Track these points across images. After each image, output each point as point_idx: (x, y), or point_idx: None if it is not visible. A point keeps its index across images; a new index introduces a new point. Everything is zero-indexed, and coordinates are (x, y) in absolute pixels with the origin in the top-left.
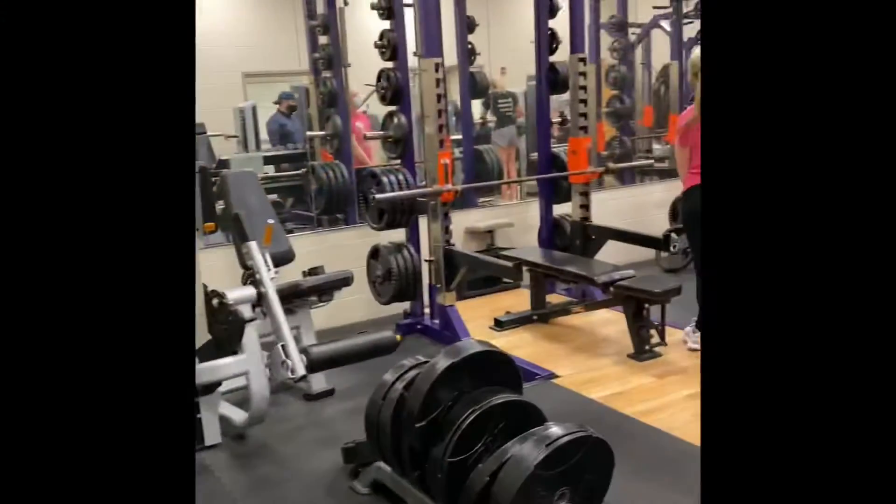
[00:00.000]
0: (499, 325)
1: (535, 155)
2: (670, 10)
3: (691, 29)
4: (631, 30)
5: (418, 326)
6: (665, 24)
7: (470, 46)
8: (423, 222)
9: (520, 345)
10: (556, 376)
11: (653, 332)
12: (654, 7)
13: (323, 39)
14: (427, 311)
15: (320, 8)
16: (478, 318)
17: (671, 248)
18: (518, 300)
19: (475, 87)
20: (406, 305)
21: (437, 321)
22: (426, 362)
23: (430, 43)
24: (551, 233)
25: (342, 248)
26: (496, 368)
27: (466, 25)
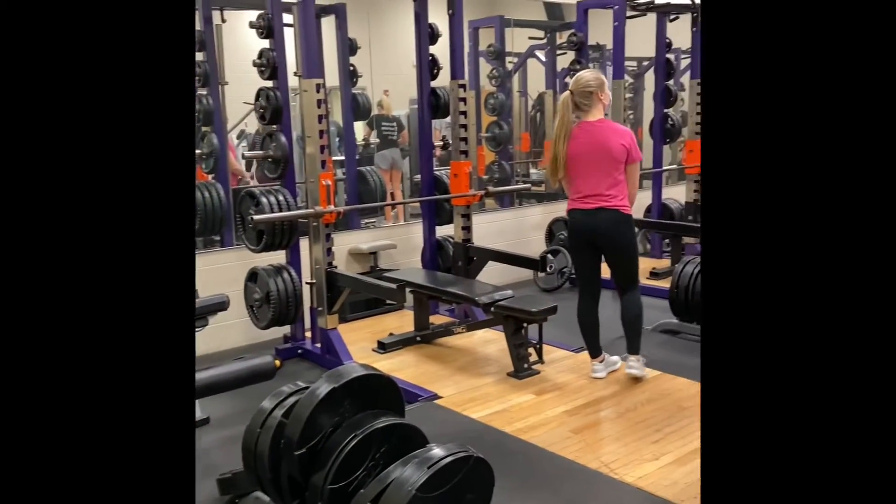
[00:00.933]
0: (382, 347)
1: (418, 177)
2: (545, 41)
3: (564, 59)
4: (508, 58)
5: (299, 351)
6: (540, 54)
7: (352, 68)
8: (304, 244)
9: (403, 367)
10: (439, 397)
11: (531, 350)
12: (530, 38)
13: (199, 56)
14: (308, 334)
15: (197, 24)
16: (361, 341)
17: (548, 269)
18: (401, 321)
19: (358, 108)
20: (286, 329)
21: (318, 345)
22: (306, 388)
23: (311, 63)
24: (434, 254)
25: (218, 271)
26: (378, 392)
27: (348, 47)
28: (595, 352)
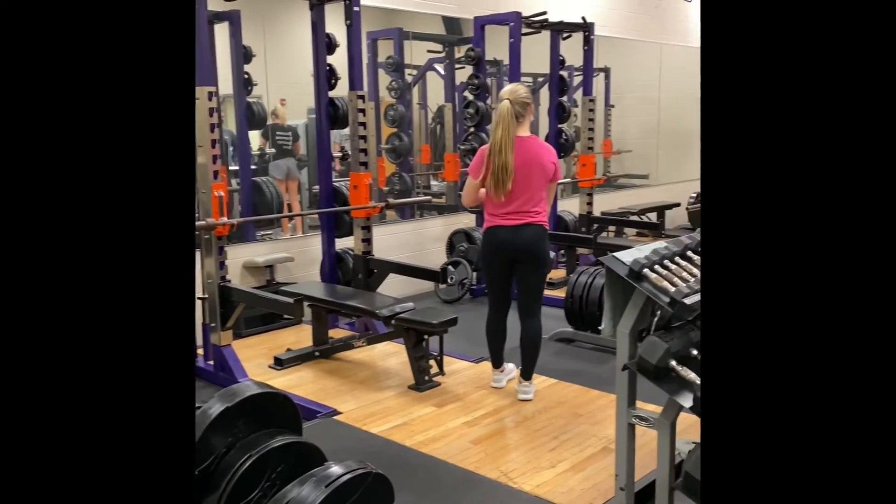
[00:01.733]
0: (279, 363)
1: (317, 188)
2: (443, 54)
3: (463, 73)
4: (407, 71)
5: None
6: (439, 67)
7: (247, 76)
8: (195, 257)
9: (301, 383)
10: (338, 413)
11: (432, 362)
12: (429, 51)
13: None
14: (200, 352)
15: None
16: (256, 358)
17: (448, 280)
18: (299, 336)
19: (253, 117)
20: None
21: (211, 362)
22: (198, 408)
23: (202, 70)
24: (334, 267)
25: None
26: (274, 410)
27: (243, 55)
28: (498, 363)
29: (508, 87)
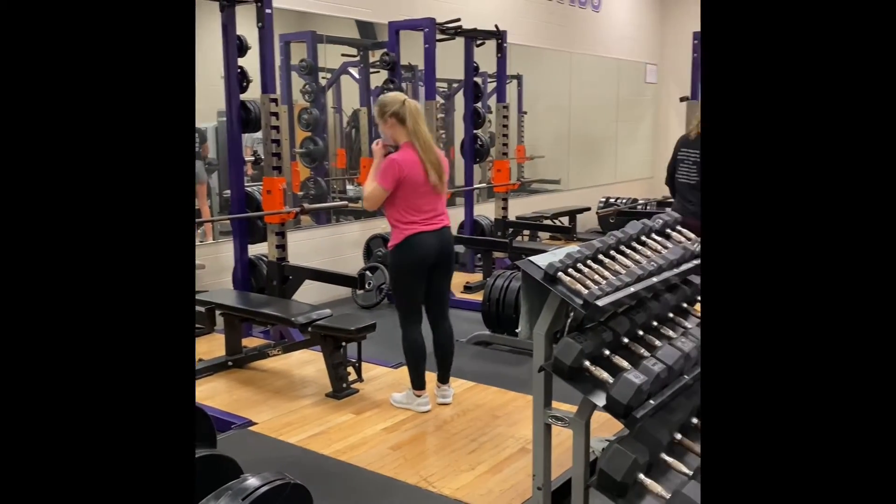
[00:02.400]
0: None
1: (228, 193)
2: (358, 58)
3: (378, 78)
4: (321, 74)
5: None
6: (354, 71)
7: None
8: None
9: (214, 394)
10: (254, 423)
11: (350, 369)
12: (343, 55)
13: None
14: None
15: None
16: None
17: (366, 286)
18: (211, 346)
19: None
20: None
21: None
22: None
23: None
24: (247, 274)
25: None
26: None
27: None
28: (422, 384)
29: (406, 98)
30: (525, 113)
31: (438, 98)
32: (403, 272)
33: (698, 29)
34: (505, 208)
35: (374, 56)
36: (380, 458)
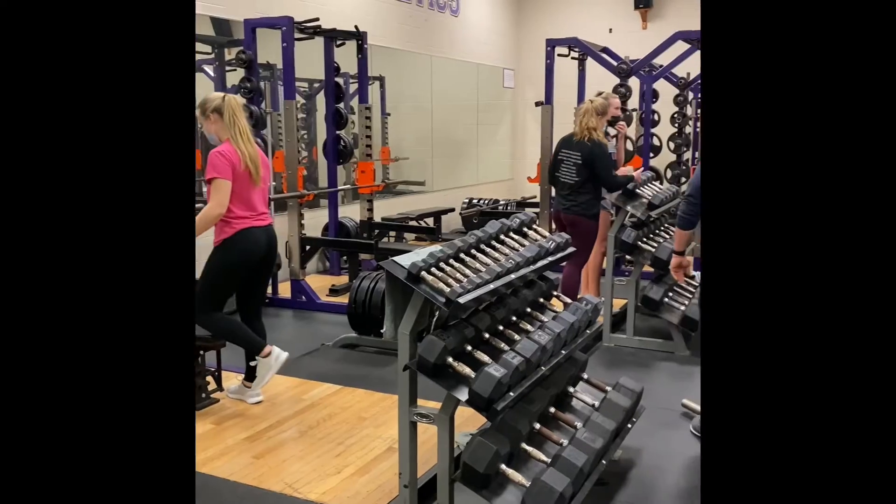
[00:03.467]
0: None
1: None
2: (213, 56)
3: (235, 76)
4: None
5: None
6: (209, 69)
7: None
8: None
9: None
10: None
11: (209, 378)
12: (198, 52)
13: None
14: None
15: None
16: None
17: None
18: None
19: None
20: None
21: None
22: None
23: None
24: None
25: None
26: None
27: None
28: (252, 374)
29: (217, 93)
30: (389, 114)
31: (299, 98)
32: (230, 267)
33: (551, 36)
34: (370, 210)
35: (230, 54)
36: (242, 467)
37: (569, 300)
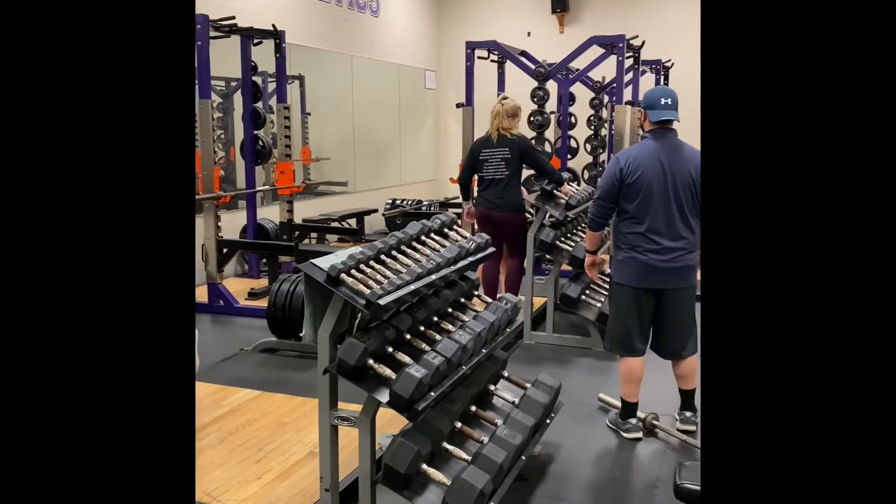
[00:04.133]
0: None
1: None
2: None
3: None
4: None
5: None
6: None
7: None
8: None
9: None
10: None
11: None
12: None
13: None
14: None
15: None
16: None
17: None
18: None
19: None
20: None
21: None
22: None
23: None
24: None
25: None
26: None
27: None
28: None
29: None
30: (309, 114)
31: (215, 97)
32: None
33: (471, 38)
34: (290, 211)
35: None
36: None
37: (515, 297)
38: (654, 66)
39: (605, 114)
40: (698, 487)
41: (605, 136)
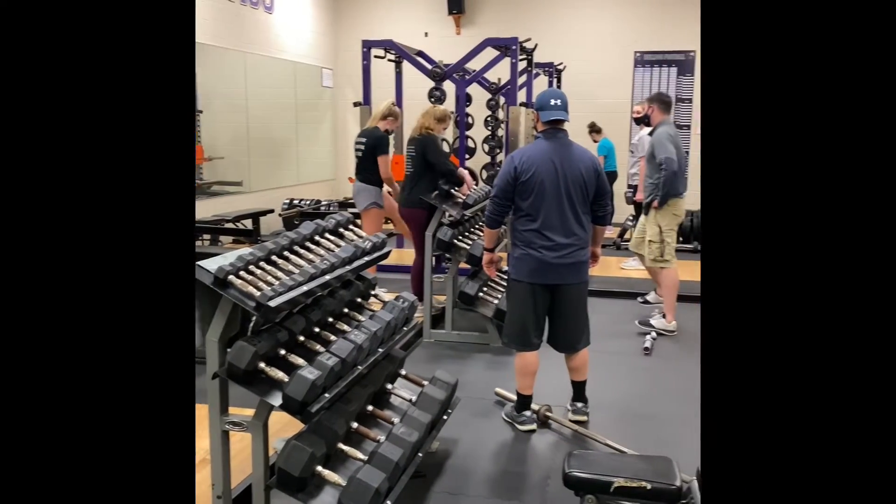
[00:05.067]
0: None
1: None
2: None
3: None
4: None
5: None
6: None
7: None
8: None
9: None
10: None
11: None
12: None
13: None
14: None
15: None
16: None
17: None
18: None
19: None
20: None
21: None
22: None
23: None
24: None
25: None
26: None
27: None
28: None
29: None
30: (201, 112)
31: None
32: None
33: (368, 37)
34: None
35: None
36: None
37: (412, 296)
38: (547, 69)
39: (501, 115)
40: (586, 475)
41: (502, 136)
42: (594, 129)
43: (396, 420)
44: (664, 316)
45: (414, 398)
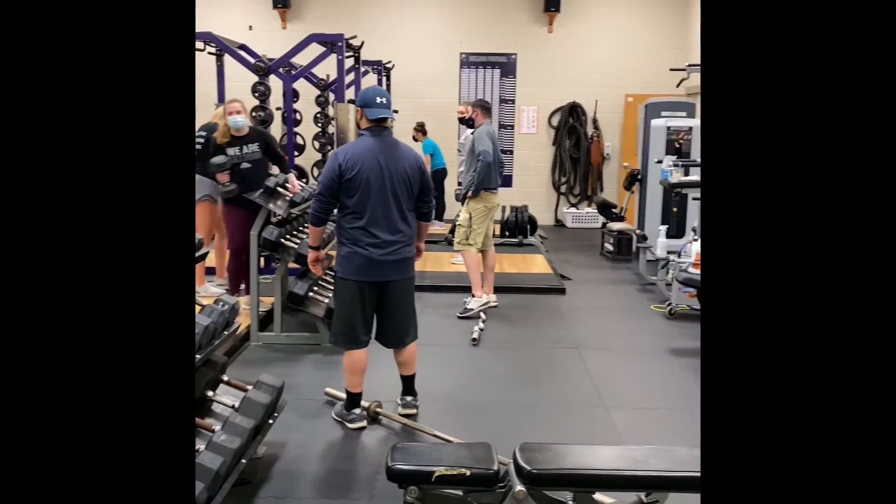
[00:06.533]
0: None
1: None
2: None
3: None
4: None
5: None
6: None
7: None
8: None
9: None
10: None
11: None
12: None
13: None
14: None
15: None
16: None
17: None
18: None
19: None
20: None
21: None
22: None
23: None
24: None
25: None
26: None
27: None
28: None
29: None
30: None
31: None
32: None
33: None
34: None
35: None
36: None
37: (233, 299)
38: (375, 67)
39: (331, 111)
40: (408, 467)
41: (332, 133)
42: (421, 130)
43: (217, 427)
44: (474, 297)
45: (237, 404)
